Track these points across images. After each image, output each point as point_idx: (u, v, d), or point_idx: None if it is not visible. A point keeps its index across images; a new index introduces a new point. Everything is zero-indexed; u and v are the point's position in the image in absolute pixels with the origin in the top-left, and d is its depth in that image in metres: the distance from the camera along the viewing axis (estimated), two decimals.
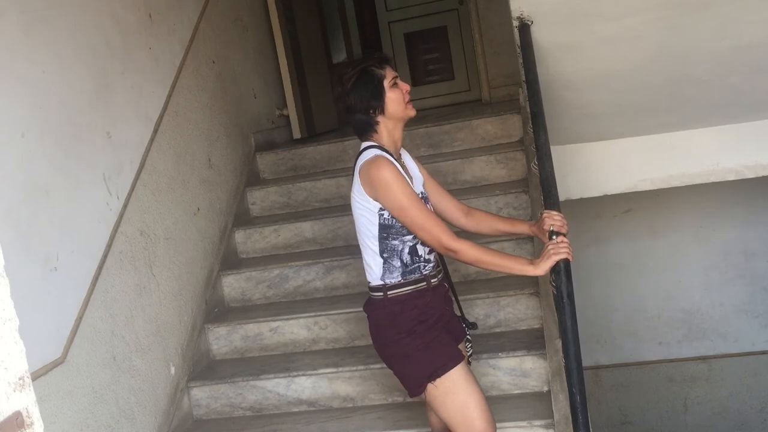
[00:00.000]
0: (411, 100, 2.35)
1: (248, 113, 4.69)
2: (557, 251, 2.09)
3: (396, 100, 2.30)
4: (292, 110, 5.16)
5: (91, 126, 3.01)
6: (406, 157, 2.46)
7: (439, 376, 2.24)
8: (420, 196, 2.32)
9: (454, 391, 2.25)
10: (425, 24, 6.57)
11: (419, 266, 2.32)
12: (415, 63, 6.69)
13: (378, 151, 2.29)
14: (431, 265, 2.36)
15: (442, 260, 2.46)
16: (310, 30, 5.60)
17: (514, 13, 3.06)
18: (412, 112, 2.35)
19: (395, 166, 2.25)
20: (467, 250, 2.19)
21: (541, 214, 2.24)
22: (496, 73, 5.63)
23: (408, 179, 2.29)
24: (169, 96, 3.66)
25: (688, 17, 3.10)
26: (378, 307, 2.34)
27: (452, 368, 2.25)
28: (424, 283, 2.32)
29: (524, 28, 3.04)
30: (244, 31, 4.81)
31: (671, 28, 3.20)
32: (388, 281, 2.30)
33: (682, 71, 3.58)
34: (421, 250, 2.33)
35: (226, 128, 4.29)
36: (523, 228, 2.41)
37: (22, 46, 2.64)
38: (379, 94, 2.28)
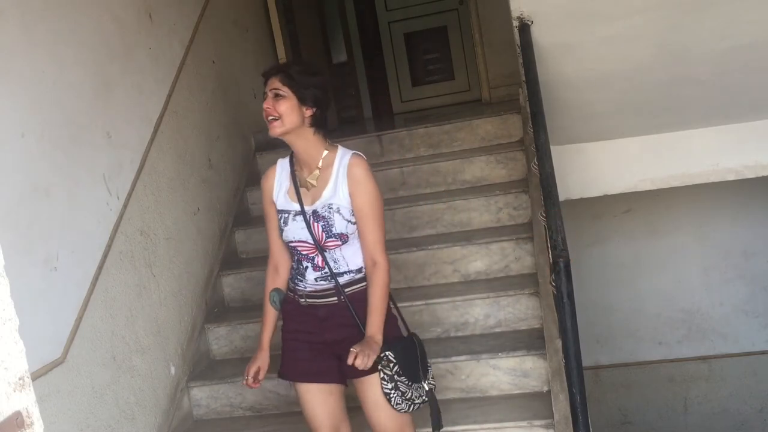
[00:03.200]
0: (272, 119, 2.25)
1: (248, 113, 4.68)
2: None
3: (264, 114, 2.31)
4: None
5: (91, 126, 3.01)
6: (336, 168, 2.31)
7: (282, 377, 2.48)
8: (315, 211, 2.29)
9: (298, 396, 2.47)
10: (425, 24, 6.57)
11: (296, 278, 2.40)
12: (415, 63, 6.69)
13: (281, 159, 2.44)
14: (311, 286, 2.35)
15: (340, 293, 2.33)
16: (310, 30, 5.60)
17: (514, 13, 3.06)
18: (270, 131, 2.28)
19: (268, 180, 2.40)
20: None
21: (358, 353, 2.19)
22: (496, 73, 5.63)
23: (293, 190, 2.33)
24: (169, 96, 3.66)
25: (687, 17, 3.10)
26: None
27: (292, 381, 2.46)
28: (292, 294, 2.42)
29: (524, 28, 3.04)
30: (244, 31, 4.81)
31: (671, 28, 3.20)
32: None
33: (682, 71, 3.59)
34: (304, 264, 2.35)
35: (226, 128, 4.29)
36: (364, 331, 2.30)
37: (22, 46, 2.64)
38: None
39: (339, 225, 2.27)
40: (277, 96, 2.25)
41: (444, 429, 2.50)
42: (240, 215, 4.24)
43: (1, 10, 2.52)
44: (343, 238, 2.29)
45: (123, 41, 3.31)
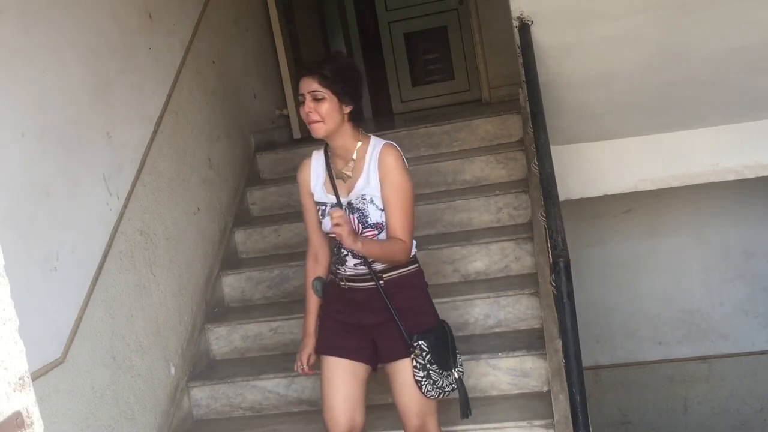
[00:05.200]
0: (314, 121, 2.27)
1: (248, 113, 4.69)
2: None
3: (302, 116, 2.34)
4: (292, 110, 5.17)
5: (91, 126, 3.01)
6: (368, 159, 2.34)
7: (318, 352, 2.49)
8: (350, 203, 2.33)
9: (321, 373, 2.47)
10: (425, 24, 6.57)
11: (337, 264, 2.44)
12: (415, 63, 6.69)
13: (315, 151, 2.47)
14: (350, 270, 2.39)
15: (376, 280, 2.36)
16: (310, 30, 5.60)
17: (514, 13, 3.06)
18: (312, 133, 2.32)
19: (303, 173, 2.44)
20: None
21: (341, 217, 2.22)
22: (496, 73, 5.63)
23: (329, 182, 2.37)
24: (169, 96, 3.66)
25: (688, 17, 3.10)
26: None
27: (321, 354, 2.46)
28: (334, 277, 2.46)
29: (524, 28, 3.04)
30: (244, 31, 4.81)
31: (671, 28, 3.21)
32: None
33: (682, 71, 3.58)
34: (344, 252, 2.39)
35: (226, 128, 4.29)
36: None
37: (22, 47, 2.64)
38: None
39: (374, 215, 2.31)
40: (316, 99, 2.26)
41: (443, 429, 2.51)
42: (240, 215, 4.24)
43: (1, 10, 2.52)
44: (379, 228, 2.32)
45: (123, 41, 3.31)
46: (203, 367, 3.58)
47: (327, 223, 2.35)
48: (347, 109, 2.30)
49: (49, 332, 2.61)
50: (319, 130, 2.28)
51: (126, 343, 3.05)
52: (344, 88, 2.27)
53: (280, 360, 3.51)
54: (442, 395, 2.35)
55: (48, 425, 2.40)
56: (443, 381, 2.34)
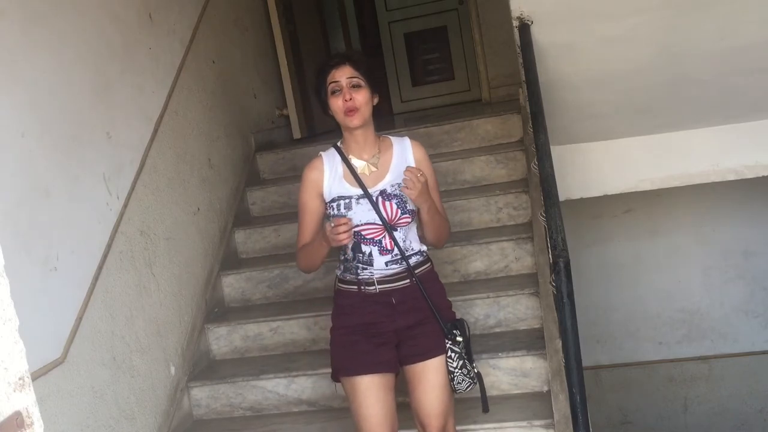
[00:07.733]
0: (352, 110, 2.24)
1: (248, 113, 4.69)
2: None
3: (334, 109, 2.29)
4: (292, 110, 5.17)
5: (91, 126, 3.01)
6: (398, 151, 2.38)
7: (342, 377, 2.35)
8: (383, 191, 2.30)
9: (351, 399, 2.35)
10: (425, 24, 6.58)
11: (357, 267, 2.33)
12: (415, 63, 6.69)
13: (323, 152, 2.40)
14: (380, 272, 2.32)
15: (413, 275, 2.34)
16: (310, 30, 5.60)
17: (514, 13, 3.06)
18: (350, 123, 2.26)
19: (316, 172, 2.34)
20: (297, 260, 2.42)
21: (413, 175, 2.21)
22: (496, 73, 5.63)
23: (349, 176, 2.31)
24: (169, 96, 3.66)
25: (687, 17, 3.10)
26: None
27: (354, 376, 2.31)
28: (355, 287, 2.34)
29: (524, 28, 3.04)
30: (244, 31, 4.81)
31: (671, 28, 3.21)
32: (337, 271, 2.43)
33: (682, 71, 3.58)
34: (368, 250, 2.30)
35: (226, 128, 4.29)
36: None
37: (22, 47, 2.64)
38: (323, 101, 2.32)
39: (410, 202, 2.30)
40: (355, 86, 2.26)
41: None
42: (240, 215, 4.24)
43: (1, 10, 2.52)
44: (413, 215, 2.32)
45: (123, 41, 3.31)
46: (203, 367, 3.58)
47: (355, 216, 2.27)
48: (375, 100, 2.32)
49: (49, 332, 2.61)
50: (356, 120, 2.26)
51: (126, 343, 3.05)
52: (371, 77, 2.30)
53: (280, 360, 3.51)
54: (469, 387, 2.38)
55: (48, 425, 2.40)
56: (471, 371, 2.38)
